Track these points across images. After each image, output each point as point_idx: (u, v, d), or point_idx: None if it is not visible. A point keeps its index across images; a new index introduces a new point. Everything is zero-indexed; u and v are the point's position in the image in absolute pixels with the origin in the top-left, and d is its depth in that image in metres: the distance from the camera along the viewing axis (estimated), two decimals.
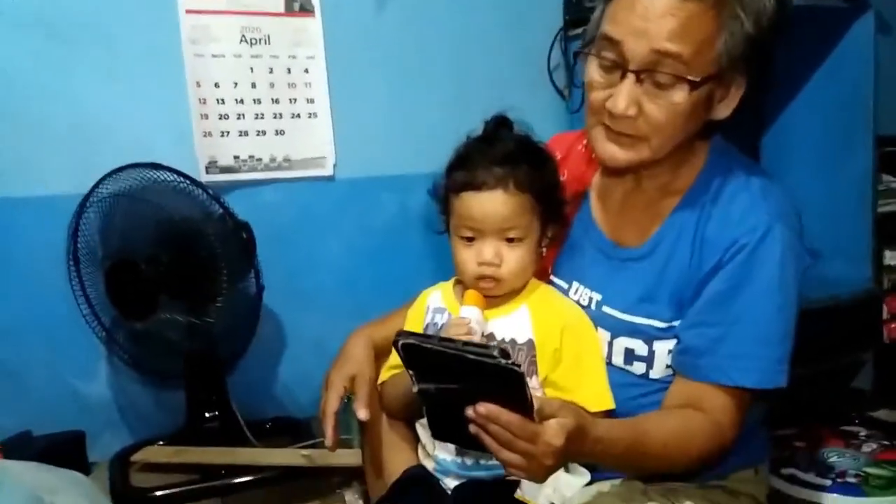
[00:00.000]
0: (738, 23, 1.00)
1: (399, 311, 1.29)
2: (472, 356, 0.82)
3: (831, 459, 1.59)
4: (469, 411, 0.86)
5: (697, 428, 1.04)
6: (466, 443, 0.93)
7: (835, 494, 1.47)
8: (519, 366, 0.82)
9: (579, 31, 2.04)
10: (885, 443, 1.66)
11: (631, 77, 1.01)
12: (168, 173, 1.51)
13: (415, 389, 0.91)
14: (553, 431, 0.86)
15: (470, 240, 1.07)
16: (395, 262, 1.94)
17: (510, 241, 1.06)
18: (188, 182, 1.52)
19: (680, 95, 1.01)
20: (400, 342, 0.87)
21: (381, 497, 1.16)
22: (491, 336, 1.06)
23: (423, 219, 1.97)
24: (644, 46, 0.99)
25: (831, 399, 1.97)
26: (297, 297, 1.82)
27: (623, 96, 1.02)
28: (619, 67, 1.03)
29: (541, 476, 0.90)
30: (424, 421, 1.14)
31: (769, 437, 1.29)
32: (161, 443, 1.66)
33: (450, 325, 1.04)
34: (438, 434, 1.00)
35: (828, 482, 1.50)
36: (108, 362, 1.71)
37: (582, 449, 0.92)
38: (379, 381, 1.21)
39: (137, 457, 1.61)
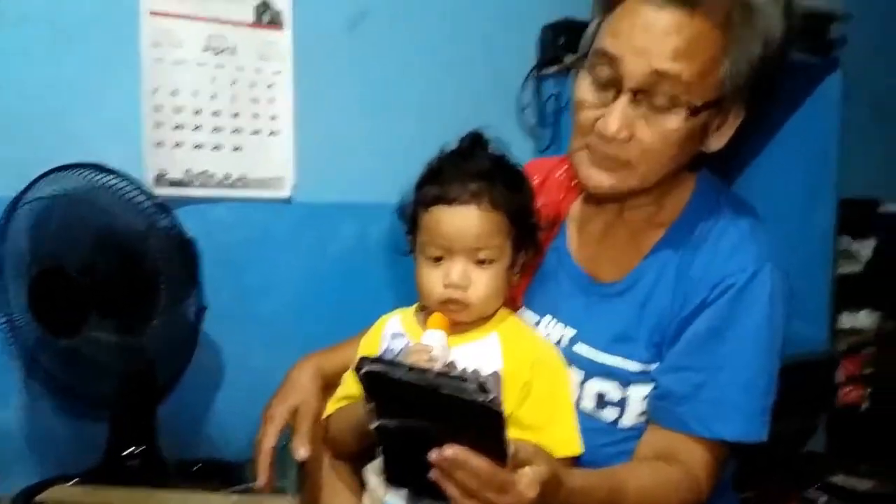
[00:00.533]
0: (745, 47, 0.95)
1: (352, 339, 1.19)
2: (446, 390, 0.73)
3: None
4: (433, 454, 0.76)
5: (674, 481, 0.97)
6: (424, 490, 0.83)
7: None
8: (500, 404, 0.73)
9: (552, 69, 2.03)
10: None
11: (626, 96, 0.95)
12: (114, 178, 1.39)
13: (373, 425, 0.81)
14: (527, 481, 0.78)
15: (438, 259, 0.99)
16: (350, 293, 1.84)
17: (480, 262, 0.99)
18: (136, 189, 1.40)
19: (676, 121, 0.95)
20: (363, 370, 0.78)
21: None
22: (452, 365, 0.97)
23: (383, 250, 1.89)
24: (644, 65, 0.93)
25: (786, 462, 1.93)
26: (243, 324, 1.70)
27: (616, 117, 0.95)
28: (613, 86, 0.96)
29: None
30: (373, 465, 1.04)
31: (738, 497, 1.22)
32: (74, 481, 1.50)
33: (410, 350, 0.95)
34: (394, 478, 0.90)
35: None
36: (24, 386, 1.55)
37: (555, 501, 0.83)
38: (325, 415, 1.10)
39: (44, 496, 1.44)
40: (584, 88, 1.00)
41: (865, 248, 2.37)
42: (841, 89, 2.08)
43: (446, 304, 0.99)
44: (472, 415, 0.74)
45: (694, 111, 0.94)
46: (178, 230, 1.41)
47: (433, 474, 0.77)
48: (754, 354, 1.00)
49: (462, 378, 0.75)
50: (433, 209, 0.99)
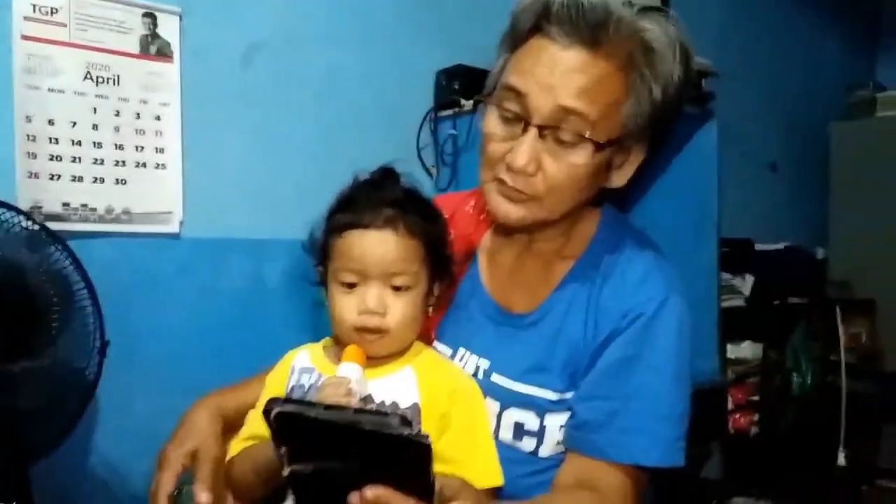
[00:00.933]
0: (646, 88, 0.97)
1: (252, 379, 1.12)
2: (368, 426, 0.68)
3: None
4: (354, 498, 0.71)
5: None
6: None
7: None
8: (426, 437, 0.69)
9: (449, 112, 2.06)
10: None
11: (533, 131, 0.96)
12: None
13: (286, 472, 0.75)
14: None
15: (351, 286, 0.95)
16: (243, 333, 1.75)
17: (397, 289, 0.95)
18: (15, 217, 1.26)
19: (582, 156, 0.97)
20: (274, 411, 0.71)
21: None
22: (370, 398, 0.92)
23: (277, 287, 1.82)
24: (550, 102, 0.94)
25: (685, 488, 1.97)
26: (128, 368, 1.56)
27: (523, 152, 0.96)
28: (520, 120, 0.97)
29: None
30: None
31: None
32: None
33: (325, 385, 0.89)
34: None
35: None
36: None
37: None
38: (228, 458, 1.01)
39: None
40: (492, 122, 1.00)
41: (745, 284, 2.50)
42: (717, 137, 2.21)
43: (361, 333, 0.95)
44: (397, 450, 0.69)
45: (598, 147, 0.96)
46: (74, 262, 1.29)
47: None
48: (667, 381, 1.00)
49: (383, 413, 0.71)
50: (346, 234, 0.96)
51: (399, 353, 0.99)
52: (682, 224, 2.24)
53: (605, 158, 0.99)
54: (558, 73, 0.94)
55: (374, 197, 0.97)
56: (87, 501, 1.56)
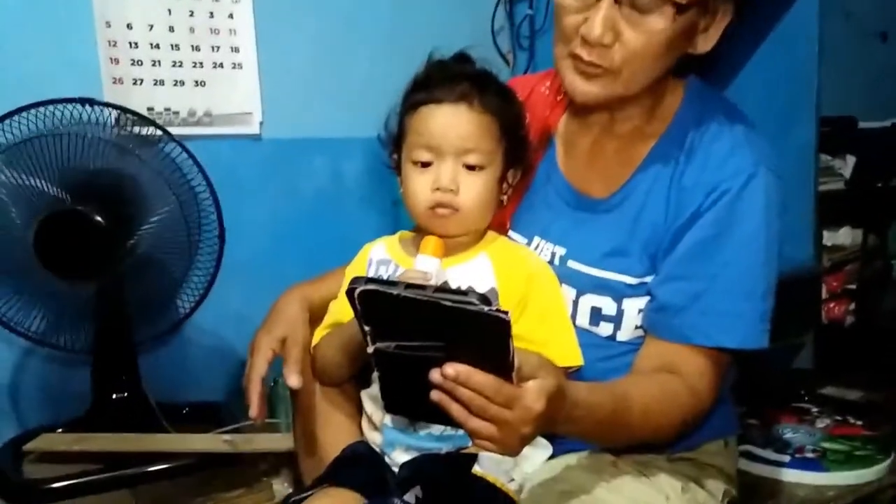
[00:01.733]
0: None
1: (336, 270, 1.15)
2: (448, 303, 0.69)
3: (787, 436, 1.54)
4: (434, 374, 0.72)
5: (676, 393, 0.95)
6: (426, 415, 0.80)
7: (795, 470, 1.42)
8: (506, 312, 0.68)
9: None
10: (838, 418, 1.64)
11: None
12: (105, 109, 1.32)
13: (370, 349, 0.76)
14: (533, 395, 0.74)
15: (425, 165, 0.95)
16: (325, 232, 1.78)
17: (471, 168, 0.94)
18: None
19: (662, 21, 0.91)
20: (358, 290, 0.72)
21: (314, 479, 1.00)
22: (447, 284, 0.93)
23: (357, 185, 1.83)
24: None
25: (776, 378, 1.94)
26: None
27: (599, 21, 0.91)
28: None
29: (516, 448, 0.77)
30: (370, 390, 1.01)
31: (736, 409, 1.21)
32: (60, 430, 1.46)
33: (404, 277, 0.90)
34: (392, 406, 0.85)
35: (786, 458, 1.45)
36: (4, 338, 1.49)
37: (560, 415, 0.80)
38: (313, 344, 1.06)
39: (32, 445, 1.40)
40: None
41: (846, 166, 2.35)
42: (817, 6, 2.03)
43: (435, 210, 0.95)
44: (477, 327, 0.69)
45: (680, 9, 0.90)
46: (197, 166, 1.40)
47: (435, 395, 0.74)
48: (752, 261, 0.97)
49: (463, 291, 0.71)
50: (422, 109, 0.96)
51: (473, 241, 0.99)
52: (776, 100, 2.10)
53: (688, 22, 0.93)
54: None
55: (448, 74, 0.97)
56: (191, 388, 1.66)
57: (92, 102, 1.32)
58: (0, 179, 1.28)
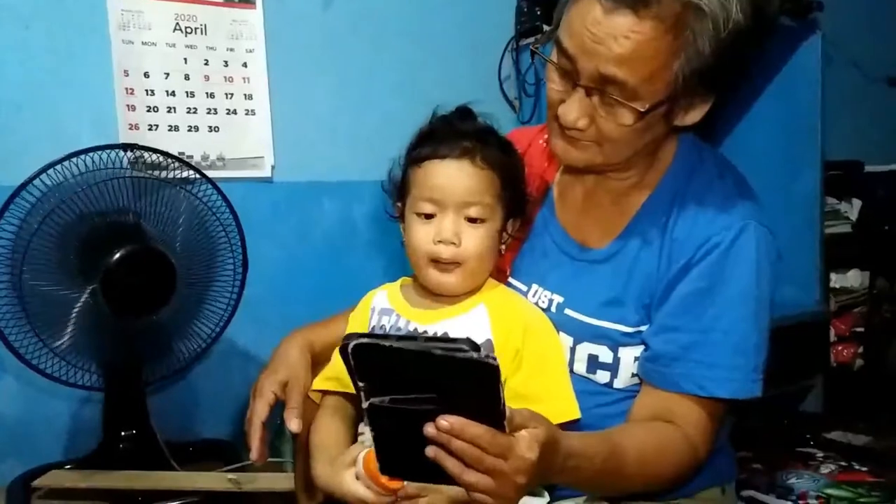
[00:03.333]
0: (698, 43, 0.91)
1: (340, 314, 1.17)
2: (439, 352, 0.70)
3: (790, 481, 1.54)
4: (429, 428, 0.73)
5: (671, 442, 0.96)
6: (422, 475, 0.80)
7: None
8: (495, 358, 0.70)
9: (531, 40, 2.01)
10: (843, 464, 1.63)
11: (581, 91, 0.95)
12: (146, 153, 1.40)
13: (364, 405, 0.77)
14: (526, 443, 0.75)
15: (428, 217, 0.98)
16: (333, 274, 1.82)
17: (472, 221, 0.97)
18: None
19: (629, 118, 0.94)
20: (351, 345, 0.73)
21: None
22: (445, 335, 0.95)
23: (366, 228, 1.87)
24: (592, 66, 0.92)
25: (783, 422, 1.93)
26: None
27: (574, 108, 0.96)
28: (571, 78, 0.96)
29: (512, 499, 0.77)
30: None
31: (735, 455, 1.21)
32: (69, 466, 1.49)
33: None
34: (388, 468, 0.83)
35: None
36: (11, 372, 1.52)
37: (555, 465, 0.81)
38: (312, 388, 1.08)
39: (41, 482, 1.43)
40: (550, 70, 0.99)
41: (852, 209, 2.37)
42: (821, 51, 2.06)
43: (436, 263, 0.97)
44: (467, 375, 0.71)
45: (641, 114, 0.93)
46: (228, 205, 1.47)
47: (430, 451, 0.74)
48: (743, 315, 0.98)
49: (452, 339, 0.72)
50: (425, 164, 0.98)
51: (471, 292, 1.01)
52: (782, 147, 2.13)
53: (657, 115, 0.96)
54: (601, 39, 0.90)
55: (452, 129, 1.00)
56: (198, 427, 1.70)
57: (133, 147, 1.38)
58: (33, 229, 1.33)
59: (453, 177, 0.96)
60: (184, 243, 1.42)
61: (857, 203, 2.38)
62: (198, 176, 1.44)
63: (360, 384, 0.76)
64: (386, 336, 0.76)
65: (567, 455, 0.83)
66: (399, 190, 1.04)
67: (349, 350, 0.74)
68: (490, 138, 1.01)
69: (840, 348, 2.23)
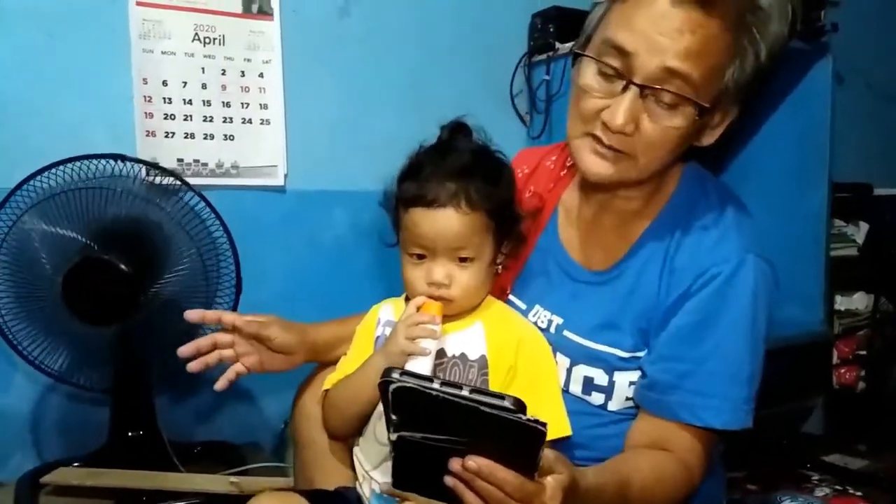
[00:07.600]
0: (753, 49, 0.94)
1: (340, 320, 1.21)
2: (486, 409, 0.70)
3: (784, 503, 1.54)
4: (455, 465, 0.74)
5: (670, 470, 0.98)
6: (435, 494, 0.80)
7: None
8: (544, 424, 0.71)
9: (543, 57, 2.03)
10: (838, 487, 1.64)
11: (634, 91, 0.93)
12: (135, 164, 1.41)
13: (392, 437, 0.77)
14: (552, 491, 0.76)
15: (420, 257, 1.00)
16: (341, 280, 1.85)
17: (462, 260, 0.99)
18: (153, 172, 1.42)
19: (681, 119, 0.94)
20: (393, 386, 0.72)
21: None
22: (442, 352, 0.99)
23: (374, 237, 1.88)
24: (656, 61, 0.91)
25: (783, 443, 1.94)
26: (238, 310, 1.70)
27: (623, 111, 0.93)
28: (621, 78, 0.94)
29: None
30: (362, 444, 1.05)
31: (725, 477, 1.23)
32: (76, 464, 1.52)
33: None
34: (401, 483, 0.83)
35: None
36: (22, 371, 1.56)
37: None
38: (323, 388, 1.09)
39: (48, 478, 1.47)
40: (589, 76, 0.97)
41: (859, 232, 2.37)
42: (832, 74, 2.07)
43: (431, 296, 1.00)
44: (511, 434, 0.71)
45: (702, 111, 0.94)
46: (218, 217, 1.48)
47: (450, 481, 0.75)
48: (738, 346, 0.99)
49: (499, 395, 0.72)
50: (412, 211, 0.99)
51: (469, 310, 1.03)
52: (790, 167, 2.13)
53: (698, 125, 0.97)
54: (666, 32, 0.90)
55: (439, 166, 0.99)
56: (203, 428, 1.73)
57: (123, 158, 1.40)
58: (33, 229, 1.36)
59: (440, 227, 0.97)
60: (174, 256, 1.45)
61: (864, 226, 2.38)
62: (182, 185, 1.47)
63: (393, 417, 0.75)
64: (429, 379, 0.74)
65: (585, 491, 0.84)
66: (393, 223, 1.06)
67: (389, 389, 0.73)
68: (478, 168, 1.00)
69: (843, 370, 2.23)
